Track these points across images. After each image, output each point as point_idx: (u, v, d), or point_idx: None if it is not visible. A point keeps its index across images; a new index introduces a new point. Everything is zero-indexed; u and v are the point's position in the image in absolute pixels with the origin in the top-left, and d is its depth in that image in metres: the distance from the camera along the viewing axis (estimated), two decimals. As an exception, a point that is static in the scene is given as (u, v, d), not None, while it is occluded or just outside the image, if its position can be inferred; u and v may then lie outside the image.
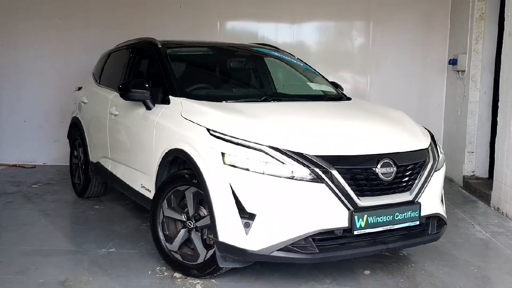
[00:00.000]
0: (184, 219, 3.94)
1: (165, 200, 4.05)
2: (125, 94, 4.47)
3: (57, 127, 8.29)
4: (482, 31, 7.08)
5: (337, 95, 5.02)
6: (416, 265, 4.19)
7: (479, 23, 7.08)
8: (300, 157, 3.46)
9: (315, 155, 3.47)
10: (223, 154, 3.56)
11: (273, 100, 4.44)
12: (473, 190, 6.76)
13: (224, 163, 3.54)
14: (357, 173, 3.52)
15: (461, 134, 7.29)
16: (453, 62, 7.50)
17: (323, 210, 3.45)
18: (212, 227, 3.63)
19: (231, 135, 3.59)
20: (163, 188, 4.08)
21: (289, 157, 3.46)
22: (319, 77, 5.32)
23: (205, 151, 3.68)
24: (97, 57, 6.65)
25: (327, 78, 5.40)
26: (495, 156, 6.04)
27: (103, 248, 4.56)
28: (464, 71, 7.28)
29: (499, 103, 6.00)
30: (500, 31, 6.78)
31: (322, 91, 5.09)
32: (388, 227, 3.61)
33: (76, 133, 6.35)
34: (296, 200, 3.43)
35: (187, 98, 4.27)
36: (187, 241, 3.96)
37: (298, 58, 5.58)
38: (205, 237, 3.89)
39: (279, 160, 3.45)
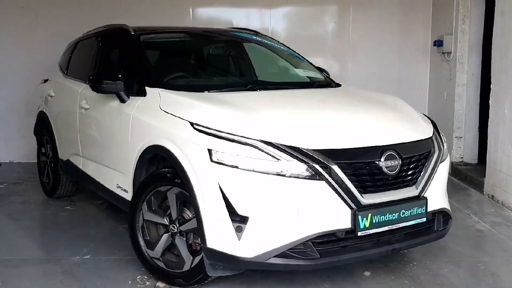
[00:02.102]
0: (167, 223, 3.57)
1: (145, 202, 3.66)
2: (96, 86, 4.06)
3: (23, 122, 7.77)
4: (468, 10, 6.81)
5: (326, 82, 4.67)
6: (418, 264, 3.89)
7: (465, 1, 6.80)
8: (296, 152, 3.11)
9: (312, 149, 3.13)
10: (209, 150, 3.18)
11: (259, 89, 4.06)
12: (463, 176, 6.52)
13: (211, 161, 3.17)
14: (359, 168, 3.19)
15: (449, 118, 7.02)
16: (438, 43, 7.22)
17: (323, 210, 3.11)
18: (199, 231, 3.27)
19: (218, 129, 3.22)
20: (142, 189, 3.69)
21: (284, 152, 3.10)
22: (305, 62, 4.97)
23: (189, 148, 3.31)
24: (63, 47, 6.17)
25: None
26: (488, 141, 5.78)
27: (77, 256, 4.16)
28: (450, 52, 7.01)
29: (491, 86, 5.73)
30: (488, 10, 6.51)
31: (309, 77, 4.74)
32: (393, 226, 3.29)
33: (43, 129, 5.89)
34: (293, 200, 3.08)
35: (165, 88, 3.88)
36: (171, 247, 3.59)
37: (280, 42, 5.20)
38: (190, 242, 3.52)
39: (272, 156, 3.09)
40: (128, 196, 4.00)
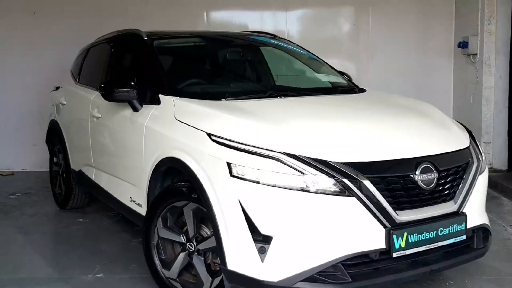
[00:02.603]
0: (183, 241, 3.33)
1: (160, 219, 3.43)
2: (108, 94, 3.83)
3: (35, 129, 7.58)
4: (494, 10, 6.53)
5: (349, 87, 4.40)
6: (455, 283, 3.61)
7: (491, 1, 6.50)
8: (323, 166, 2.84)
9: (342, 163, 2.86)
10: (229, 164, 2.93)
11: (279, 96, 3.80)
12: (494, 184, 6.19)
13: (231, 175, 2.92)
14: (393, 182, 2.92)
15: (476, 123, 6.71)
16: (463, 45, 6.92)
17: (355, 229, 2.85)
18: (218, 252, 3.02)
19: (238, 141, 2.97)
20: (156, 204, 3.45)
21: (310, 166, 2.84)
22: (326, 66, 4.70)
23: (206, 161, 3.06)
24: (75, 53, 5.96)
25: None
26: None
27: (89, 274, 3.93)
28: (476, 54, 6.71)
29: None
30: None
31: (332, 82, 4.46)
32: (430, 246, 3.01)
33: (55, 138, 5.68)
34: (321, 218, 2.82)
35: (180, 96, 3.64)
36: (188, 267, 3.34)
37: (299, 46, 4.93)
38: (209, 261, 3.28)
39: (298, 170, 2.83)
40: (142, 210, 3.77)
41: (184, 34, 4.80)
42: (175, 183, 3.42)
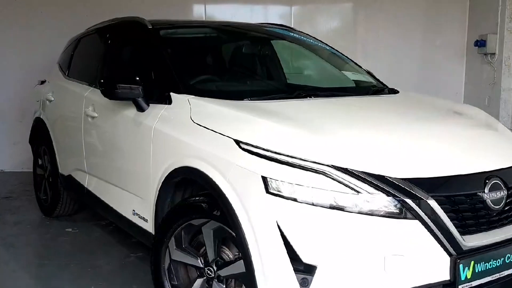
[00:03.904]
0: (201, 265, 2.83)
1: (173, 238, 2.92)
2: (108, 91, 3.31)
3: (16, 127, 6.99)
4: (516, 6, 6.11)
5: (380, 86, 3.93)
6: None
7: (512, -3, 6.10)
8: (380, 182, 2.36)
9: (402, 178, 2.38)
10: (265, 178, 2.44)
11: (309, 96, 3.30)
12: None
13: (268, 192, 2.42)
14: (459, 202, 2.45)
15: (492, 126, 6.29)
16: (480, 43, 6.51)
17: (416, 258, 2.37)
18: (248, 281, 2.54)
19: (277, 151, 2.47)
20: (169, 221, 2.94)
21: (364, 182, 2.36)
22: (350, 63, 4.22)
23: (235, 174, 2.56)
24: (63, 44, 5.40)
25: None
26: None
27: (83, 297, 3.41)
28: (494, 53, 6.32)
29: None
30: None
31: (360, 81, 3.98)
32: (496, 276, 2.55)
33: (40, 137, 5.12)
34: (377, 246, 2.34)
35: (195, 95, 3.13)
36: (206, 295, 2.84)
37: (319, 40, 4.44)
38: (231, 290, 2.78)
39: (349, 187, 2.35)
40: (148, 226, 3.26)
41: (192, 23, 4.28)
42: (192, 197, 2.91)
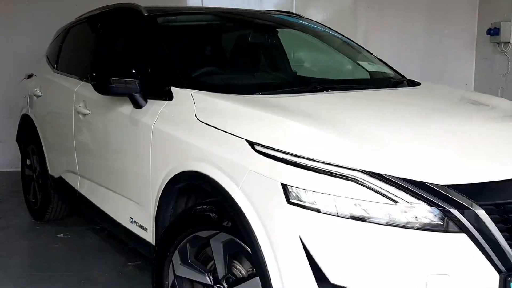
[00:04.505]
0: (210, 282, 2.49)
1: (177, 252, 2.58)
2: (101, 86, 2.96)
3: (2, 124, 6.60)
4: (532, -7, 5.78)
5: (399, 78, 3.59)
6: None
7: (528, -17, 5.77)
8: (421, 189, 2.02)
9: (446, 185, 2.05)
10: (285, 186, 2.10)
11: (326, 90, 2.95)
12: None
13: (289, 202, 2.08)
14: (509, 211, 2.11)
15: (506, 119, 5.97)
16: (493, 32, 6.19)
17: (462, 277, 2.03)
18: (265, 304, 2.19)
19: (298, 154, 2.13)
20: (173, 233, 2.61)
21: (402, 190, 2.02)
22: (365, 52, 3.87)
23: (249, 180, 2.22)
24: (51, 34, 5.03)
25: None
26: None
27: (78, 315, 3.07)
28: (509, 42, 5.96)
29: None
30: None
31: (378, 72, 3.64)
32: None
33: (28, 136, 4.76)
34: (418, 264, 2.01)
35: (199, 90, 2.78)
36: (215, 316, 2.51)
37: (329, 28, 4.08)
38: (244, 310, 2.44)
39: (385, 196, 2.02)
40: (148, 236, 2.93)
41: (192, 10, 3.90)
42: (199, 205, 2.56)
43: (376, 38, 6.80)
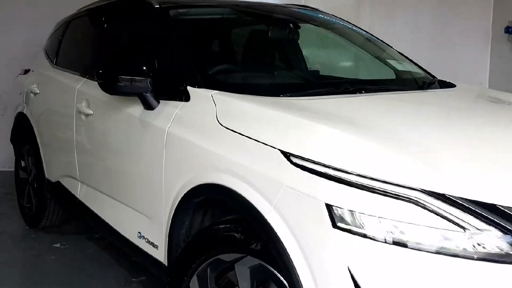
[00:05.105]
0: (233, 313, 2.18)
1: (196, 277, 2.26)
2: (109, 84, 2.64)
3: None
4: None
5: (431, 79, 3.29)
6: None
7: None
8: (492, 214, 1.71)
9: (522, 209, 1.74)
10: (330, 207, 1.78)
11: (359, 91, 2.63)
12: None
13: (335, 226, 1.77)
14: None
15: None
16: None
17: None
18: None
19: (346, 170, 1.81)
20: (190, 254, 2.29)
21: (471, 214, 1.71)
22: (390, 49, 3.56)
23: (285, 198, 1.91)
24: (49, 27, 4.70)
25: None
26: None
27: None
28: (529, 41, 5.67)
29: None
30: None
31: (409, 72, 3.33)
32: None
33: (23, 136, 4.42)
34: (489, 302, 1.70)
35: (220, 90, 2.46)
36: None
37: (349, 22, 3.76)
38: None
39: (451, 221, 1.70)
40: (159, 254, 2.61)
41: (206, 2, 3.55)
42: (222, 223, 2.24)
43: (382, 33, 6.47)
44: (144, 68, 2.62)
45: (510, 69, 6.04)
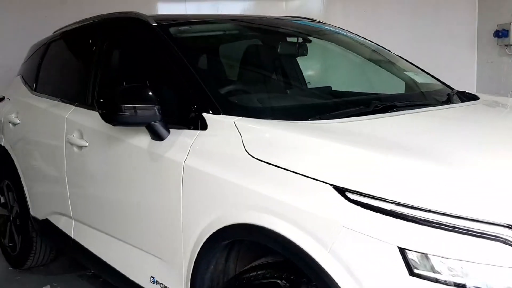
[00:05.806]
0: None
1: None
2: (111, 114, 2.34)
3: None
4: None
5: (450, 92, 3.07)
6: None
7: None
8: None
9: None
10: (404, 252, 1.53)
11: (389, 110, 2.39)
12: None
13: (412, 274, 1.52)
14: None
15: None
16: (502, 34, 5.80)
17: None
18: None
19: (417, 206, 1.57)
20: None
21: None
22: (403, 61, 3.35)
23: (344, 242, 1.65)
24: (22, 50, 4.36)
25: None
26: None
27: None
28: (516, 45, 5.58)
29: None
30: None
31: (428, 85, 3.12)
32: None
33: (2, 170, 4.06)
34: None
35: (242, 116, 2.19)
36: None
37: (358, 35, 3.55)
38: None
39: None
40: (178, 304, 2.31)
41: (205, 19, 3.28)
42: (259, 270, 1.97)
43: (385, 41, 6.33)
44: (151, 93, 2.34)
45: (499, 73, 5.95)
